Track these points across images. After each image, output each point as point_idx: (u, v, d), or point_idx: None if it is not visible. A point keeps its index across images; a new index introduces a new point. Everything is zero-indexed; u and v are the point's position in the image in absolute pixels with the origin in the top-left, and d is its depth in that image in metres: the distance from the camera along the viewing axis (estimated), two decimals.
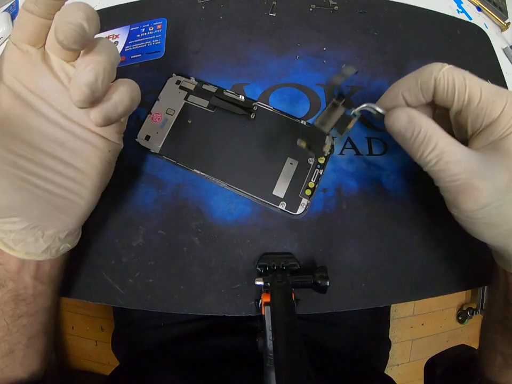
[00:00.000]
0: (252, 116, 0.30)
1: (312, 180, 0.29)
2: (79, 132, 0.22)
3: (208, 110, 0.31)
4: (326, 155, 0.30)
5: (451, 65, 0.21)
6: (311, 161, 0.29)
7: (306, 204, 0.29)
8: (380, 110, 0.24)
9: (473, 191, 0.19)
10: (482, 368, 0.29)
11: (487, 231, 0.21)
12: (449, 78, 0.20)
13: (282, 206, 0.28)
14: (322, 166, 0.29)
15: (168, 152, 0.30)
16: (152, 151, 0.30)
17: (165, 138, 0.30)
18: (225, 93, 0.31)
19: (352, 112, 0.25)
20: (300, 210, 0.28)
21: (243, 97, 0.31)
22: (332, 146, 0.30)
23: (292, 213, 0.28)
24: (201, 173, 0.29)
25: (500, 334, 0.26)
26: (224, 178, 0.29)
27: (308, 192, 0.29)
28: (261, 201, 0.29)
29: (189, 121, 0.30)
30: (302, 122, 0.30)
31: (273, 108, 0.31)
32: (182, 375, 0.35)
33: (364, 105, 0.25)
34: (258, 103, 0.31)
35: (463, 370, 0.33)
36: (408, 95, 0.23)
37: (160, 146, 0.30)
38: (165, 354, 0.40)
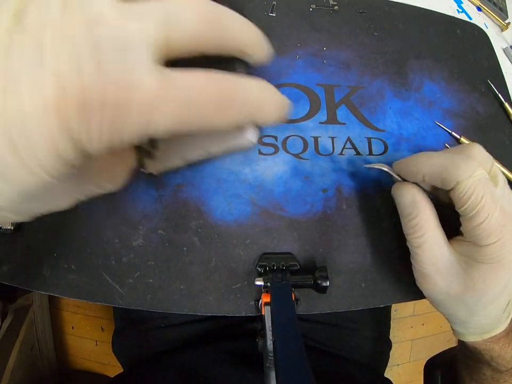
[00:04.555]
0: None
1: None
2: None
3: None
4: None
5: (482, 177, 0.21)
6: None
7: None
8: (395, 176, 0.25)
9: (431, 283, 0.23)
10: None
11: (433, 305, 0.25)
12: (469, 191, 0.20)
13: None
14: None
15: None
16: None
17: None
18: None
19: (368, 166, 0.27)
20: None
21: None
22: None
23: None
24: None
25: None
26: None
27: None
28: None
29: None
30: None
31: None
32: (183, 382, 0.35)
33: (385, 168, 0.26)
34: None
35: None
36: (428, 179, 0.23)
37: None
38: (166, 361, 0.40)
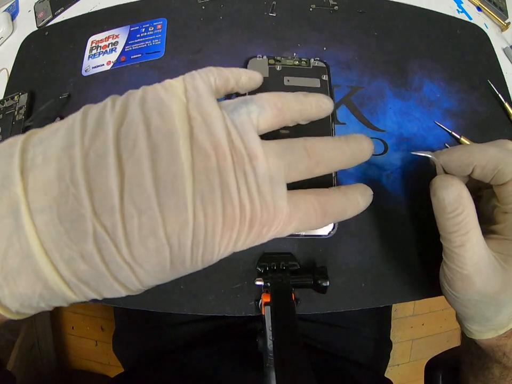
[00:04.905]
0: None
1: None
2: None
3: None
4: None
5: None
6: None
7: None
8: (440, 168, 0.24)
9: (469, 284, 0.22)
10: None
11: (458, 307, 0.24)
12: None
13: None
14: None
15: None
16: None
17: None
18: None
19: (414, 153, 0.25)
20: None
21: None
22: None
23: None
24: None
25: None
26: None
27: None
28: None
29: None
30: None
31: None
32: (183, 381, 0.35)
33: (430, 156, 0.24)
34: None
35: None
36: (480, 172, 0.22)
37: None
38: (166, 361, 0.40)
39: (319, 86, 0.30)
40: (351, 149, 0.20)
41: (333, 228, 0.27)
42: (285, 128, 0.26)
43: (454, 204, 0.21)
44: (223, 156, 0.15)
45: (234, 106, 0.18)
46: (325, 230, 0.27)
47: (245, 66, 0.31)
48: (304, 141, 0.19)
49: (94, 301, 0.27)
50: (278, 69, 0.30)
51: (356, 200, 0.21)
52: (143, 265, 0.15)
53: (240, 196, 0.15)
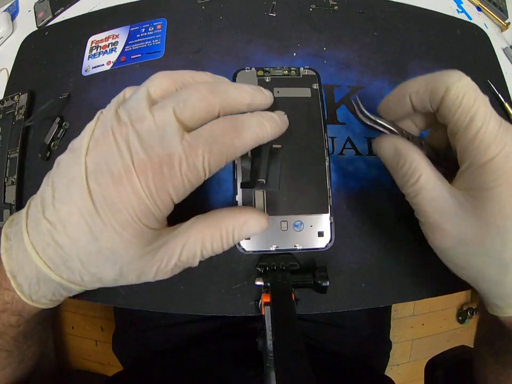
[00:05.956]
0: None
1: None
2: None
3: None
4: None
5: (470, 82, 0.20)
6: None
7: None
8: (368, 117, 0.24)
9: (440, 232, 0.21)
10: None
11: (457, 270, 0.22)
12: (460, 94, 0.19)
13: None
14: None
15: None
16: None
17: None
18: None
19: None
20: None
21: None
22: None
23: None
24: None
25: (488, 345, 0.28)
26: None
27: None
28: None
29: None
30: None
31: None
32: (183, 380, 0.35)
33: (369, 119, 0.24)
34: None
35: (464, 371, 0.33)
36: (415, 98, 0.21)
37: None
38: (166, 360, 0.40)
39: (309, 95, 0.29)
40: (252, 88, 0.21)
41: (330, 241, 0.27)
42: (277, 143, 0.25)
43: (394, 158, 0.21)
44: (107, 135, 0.19)
45: (130, 97, 0.21)
46: (322, 243, 0.26)
47: (234, 79, 0.30)
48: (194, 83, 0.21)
49: (94, 300, 0.27)
50: (267, 80, 0.29)
51: (268, 114, 0.21)
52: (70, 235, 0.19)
53: (122, 155, 0.18)
